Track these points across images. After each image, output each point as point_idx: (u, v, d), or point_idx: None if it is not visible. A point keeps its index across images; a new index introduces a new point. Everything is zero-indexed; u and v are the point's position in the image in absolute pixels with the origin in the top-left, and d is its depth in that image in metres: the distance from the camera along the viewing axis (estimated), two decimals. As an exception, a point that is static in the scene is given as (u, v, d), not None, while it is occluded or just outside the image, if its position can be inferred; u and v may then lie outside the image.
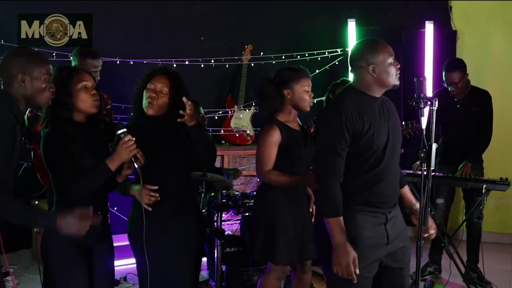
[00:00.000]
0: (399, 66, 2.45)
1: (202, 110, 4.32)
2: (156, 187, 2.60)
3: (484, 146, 4.29)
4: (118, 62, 4.79)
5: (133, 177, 2.62)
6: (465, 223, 4.32)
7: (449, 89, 4.25)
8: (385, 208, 2.44)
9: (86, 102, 2.47)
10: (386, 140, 2.41)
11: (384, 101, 2.52)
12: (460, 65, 4.23)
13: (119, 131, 2.48)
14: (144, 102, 2.66)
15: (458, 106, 4.30)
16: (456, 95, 4.26)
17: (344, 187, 2.41)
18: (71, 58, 3.89)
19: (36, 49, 3.84)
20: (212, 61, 5.24)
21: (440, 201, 4.34)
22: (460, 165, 4.20)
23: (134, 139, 2.47)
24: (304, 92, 3.03)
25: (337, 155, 2.35)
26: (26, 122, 3.61)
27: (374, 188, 2.40)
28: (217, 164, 5.00)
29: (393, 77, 2.43)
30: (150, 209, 2.59)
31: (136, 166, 2.50)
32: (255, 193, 3.36)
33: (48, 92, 2.30)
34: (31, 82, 2.23)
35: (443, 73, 4.26)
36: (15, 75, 2.21)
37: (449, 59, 4.40)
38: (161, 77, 2.68)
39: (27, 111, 3.59)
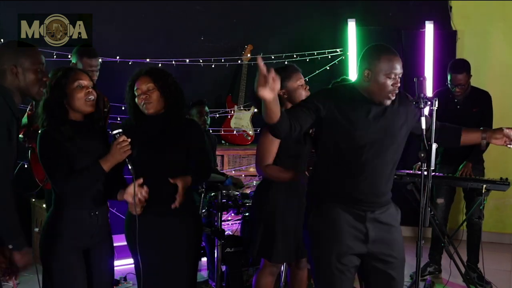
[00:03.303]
0: (397, 85, 2.37)
1: (207, 109, 4.32)
2: (141, 181, 2.56)
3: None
4: (118, 62, 4.79)
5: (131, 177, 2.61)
6: (465, 223, 4.33)
7: (454, 90, 4.24)
8: (364, 207, 2.42)
9: (80, 100, 2.46)
10: (369, 138, 2.39)
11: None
12: (467, 67, 4.24)
13: (114, 132, 2.47)
14: (141, 107, 2.68)
15: (458, 106, 4.30)
16: (459, 95, 4.25)
17: (322, 179, 2.46)
18: (70, 57, 3.89)
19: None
20: (212, 61, 5.24)
21: (440, 201, 4.34)
22: (461, 165, 4.20)
23: (129, 140, 2.46)
24: (299, 87, 3.02)
25: (304, 106, 2.39)
26: (27, 120, 3.61)
27: (349, 183, 2.41)
28: (218, 164, 5.01)
29: (384, 93, 2.37)
30: (140, 206, 2.57)
31: (130, 167, 2.49)
32: (254, 191, 3.36)
33: (42, 82, 2.29)
34: (23, 74, 2.23)
35: (449, 74, 4.25)
36: (7, 68, 2.21)
37: (454, 60, 4.40)
38: (142, 77, 2.69)
39: (28, 109, 3.61)
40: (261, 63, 2.12)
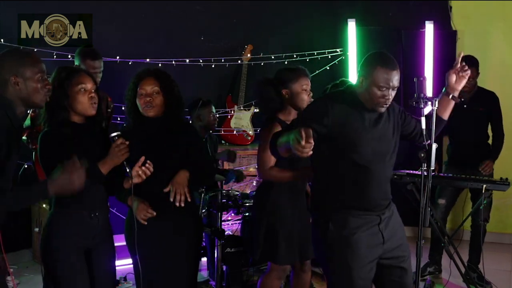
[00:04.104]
0: (387, 98, 2.36)
1: (213, 109, 4.34)
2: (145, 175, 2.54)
3: (498, 146, 4.32)
4: (118, 62, 4.79)
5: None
6: (470, 224, 4.33)
7: None
8: (377, 211, 2.46)
9: (83, 104, 2.46)
10: (372, 145, 2.40)
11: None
12: (476, 62, 4.26)
13: (112, 134, 2.46)
14: (141, 108, 2.67)
15: (464, 105, 4.31)
16: (467, 91, 4.26)
17: (335, 191, 2.45)
18: (71, 57, 3.90)
19: (35, 49, 3.86)
20: (212, 61, 5.24)
21: (441, 201, 4.34)
22: (481, 163, 4.21)
23: (127, 142, 2.45)
24: (302, 92, 3.03)
25: (305, 125, 2.29)
26: (30, 122, 3.61)
27: (360, 191, 2.42)
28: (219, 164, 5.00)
29: (373, 102, 2.38)
30: (145, 223, 2.58)
31: (128, 170, 2.48)
32: (255, 192, 3.36)
33: (45, 89, 2.27)
34: (25, 83, 2.20)
35: None
36: (8, 78, 2.18)
37: (463, 57, 4.41)
38: (148, 79, 2.68)
39: (30, 110, 3.61)
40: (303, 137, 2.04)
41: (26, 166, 3.86)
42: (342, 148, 2.40)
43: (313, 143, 2.06)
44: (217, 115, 4.83)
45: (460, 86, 2.66)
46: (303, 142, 2.01)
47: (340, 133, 2.38)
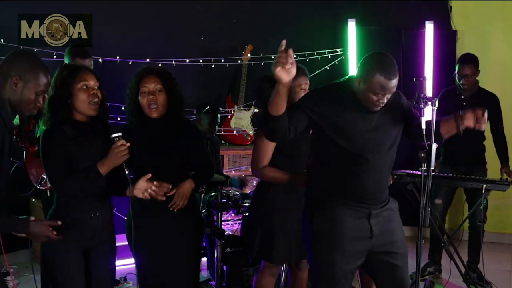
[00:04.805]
0: (382, 101, 2.34)
1: (219, 118, 4.35)
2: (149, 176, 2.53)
3: (504, 148, 4.30)
4: (118, 62, 4.79)
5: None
6: (468, 225, 4.32)
7: (461, 83, 4.26)
8: (369, 204, 2.44)
9: (83, 103, 2.44)
10: (367, 136, 2.40)
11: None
12: (474, 60, 4.28)
13: (113, 135, 2.44)
14: (145, 108, 2.66)
15: (464, 103, 4.31)
16: (466, 89, 4.26)
17: (323, 178, 2.48)
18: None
19: (35, 49, 3.86)
20: (212, 61, 5.24)
21: (438, 201, 4.34)
22: (502, 172, 4.20)
23: (128, 144, 2.43)
24: (300, 90, 3.03)
25: (299, 108, 2.41)
26: (18, 120, 3.60)
27: (352, 181, 2.42)
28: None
29: (367, 103, 2.37)
30: (148, 197, 2.55)
31: (127, 172, 2.46)
32: (253, 192, 3.36)
33: (35, 105, 2.24)
34: (22, 89, 2.19)
35: (457, 66, 4.29)
36: (11, 76, 2.18)
37: (463, 54, 4.46)
38: (151, 76, 2.68)
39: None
40: (283, 45, 2.14)
41: (18, 165, 3.85)
42: (334, 137, 2.41)
43: (292, 57, 2.13)
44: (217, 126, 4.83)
45: (468, 125, 2.54)
46: (282, 48, 2.11)
47: (331, 123, 2.39)
